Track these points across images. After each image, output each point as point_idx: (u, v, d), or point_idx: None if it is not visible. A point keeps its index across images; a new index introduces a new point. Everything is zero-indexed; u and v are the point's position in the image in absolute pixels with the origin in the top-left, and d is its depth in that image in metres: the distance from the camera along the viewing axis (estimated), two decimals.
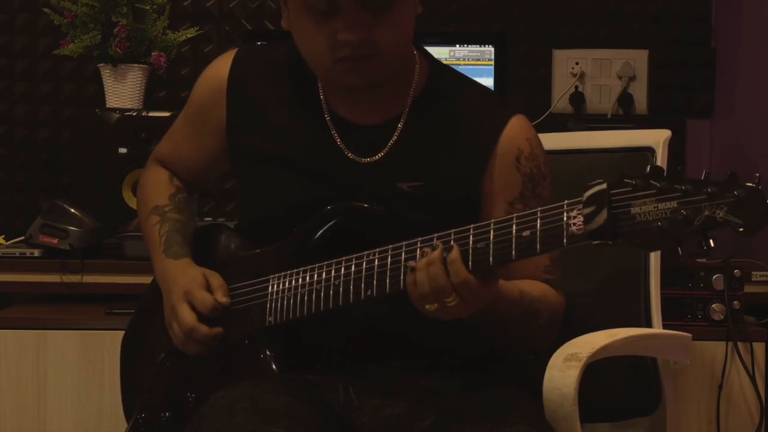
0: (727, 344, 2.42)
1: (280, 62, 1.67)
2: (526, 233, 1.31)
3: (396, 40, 1.52)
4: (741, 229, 1.15)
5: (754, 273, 2.52)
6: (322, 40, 1.51)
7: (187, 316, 1.59)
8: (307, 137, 1.63)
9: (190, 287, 1.61)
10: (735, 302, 2.42)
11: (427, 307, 1.38)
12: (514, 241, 1.33)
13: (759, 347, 2.43)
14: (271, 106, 1.65)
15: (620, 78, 3.10)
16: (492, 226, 1.35)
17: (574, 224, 1.27)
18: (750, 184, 1.15)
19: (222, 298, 1.60)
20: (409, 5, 1.54)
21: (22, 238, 2.69)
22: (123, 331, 1.84)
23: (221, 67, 1.69)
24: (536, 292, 1.54)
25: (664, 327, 1.88)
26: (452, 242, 1.37)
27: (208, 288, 1.62)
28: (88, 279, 2.58)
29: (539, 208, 1.32)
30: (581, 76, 3.11)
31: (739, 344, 2.42)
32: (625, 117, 3.06)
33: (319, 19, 1.50)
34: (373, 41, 1.49)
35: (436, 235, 1.40)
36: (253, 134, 1.65)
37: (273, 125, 1.64)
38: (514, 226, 1.33)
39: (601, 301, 1.92)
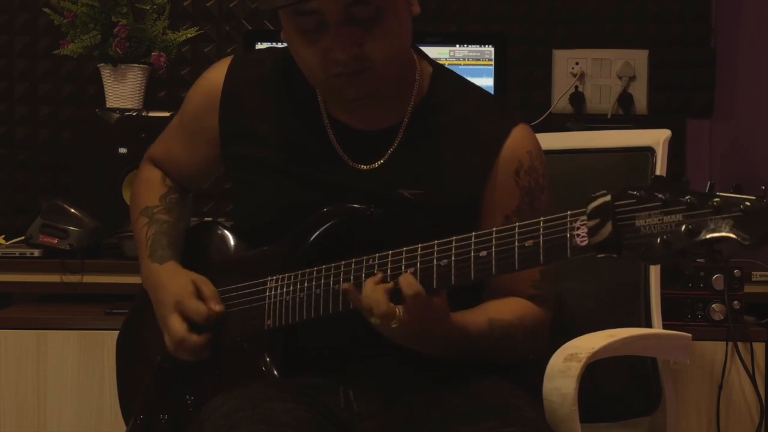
0: (727, 344, 2.42)
1: (276, 69, 1.65)
2: (529, 243, 1.31)
3: (389, 50, 1.49)
4: (747, 243, 1.14)
5: (754, 273, 2.51)
6: (315, 57, 1.49)
7: (178, 327, 1.58)
8: (306, 144, 1.61)
9: (180, 297, 1.60)
10: (735, 302, 2.42)
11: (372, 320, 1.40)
12: (516, 251, 1.32)
13: (759, 347, 2.43)
14: (267, 114, 1.63)
15: (620, 78, 3.09)
16: (494, 235, 1.35)
17: (578, 236, 1.26)
18: (756, 197, 1.15)
19: (216, 307, 1.59)
20: (400, 12, 1.50)
21: (22, 238, 2.69)
22: None
23: (216, 76, 1.67)
24: (509, 316, 1.52)
25: (664, 327, 1.88)
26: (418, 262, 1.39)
27: (199, 296, 1.60)
28: (88, 279, 2.58)
29: (542, 218, 1.31)
30: (581, 76, 3.11)
31: (739, 344, 2.41)
32: (625, 117, 3.06)
33: (309, 37, 1.48)
34: (364, 56, 1.47)
35: (436, 242, 1.39)
36: (247, 144, 1.64)
37: (269, 134, 1.63)
38: (516, 236, 1.32)
39: (601, 301, 1.92)
